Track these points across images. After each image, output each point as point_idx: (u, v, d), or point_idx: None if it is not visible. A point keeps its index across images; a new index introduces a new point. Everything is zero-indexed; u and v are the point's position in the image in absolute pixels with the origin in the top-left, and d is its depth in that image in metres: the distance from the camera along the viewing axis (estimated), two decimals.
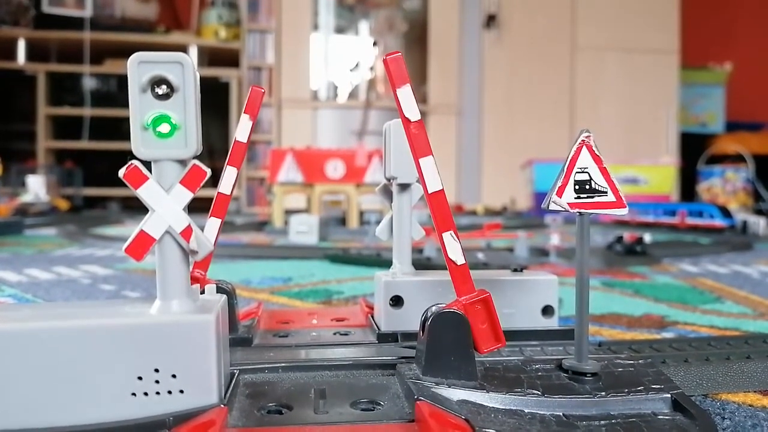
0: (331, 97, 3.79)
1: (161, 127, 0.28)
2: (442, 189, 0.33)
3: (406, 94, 0.33)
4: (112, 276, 0.93)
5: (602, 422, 0.29)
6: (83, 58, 3.29)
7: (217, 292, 0.35)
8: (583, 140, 0.33)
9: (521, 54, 3.77)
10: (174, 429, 0.27)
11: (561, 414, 0.30)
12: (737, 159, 3.41)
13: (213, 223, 0.40)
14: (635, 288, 0.84)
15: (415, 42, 3.84)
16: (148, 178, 0.28)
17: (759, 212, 2.90)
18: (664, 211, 2.01)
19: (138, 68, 0.28)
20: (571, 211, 0.32)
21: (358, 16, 3.83)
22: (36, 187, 2.49)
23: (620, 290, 0.82)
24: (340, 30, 3.86)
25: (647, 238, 1.22)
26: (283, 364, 0.36)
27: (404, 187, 0.46)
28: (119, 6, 3.42)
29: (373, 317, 0.48)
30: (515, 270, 0.47)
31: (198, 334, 0.28)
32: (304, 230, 1.52)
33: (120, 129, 3.29)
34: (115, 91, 3.41)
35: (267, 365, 0.36)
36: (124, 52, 3.27)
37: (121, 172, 0.28)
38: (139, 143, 0.28)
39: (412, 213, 0.47)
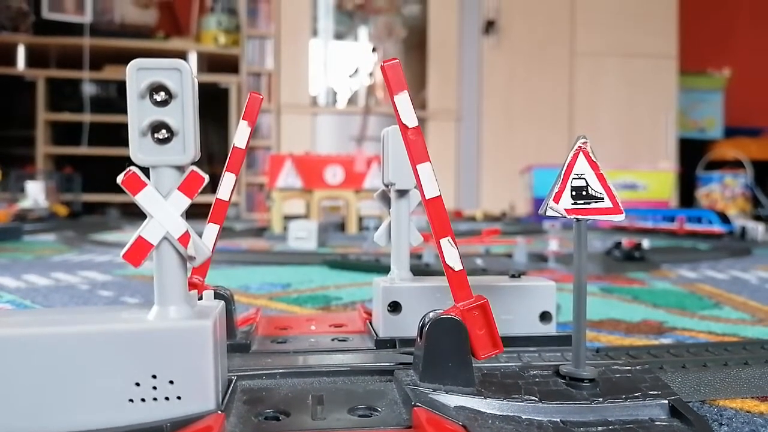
0: (330, 102, 3.80)
1: (159, 133, 0.28)
2: (440, 195, 0.33)
3: (403, 100, 0.33)
4: (111, 282, 0.93)
5: (599, 428, 0.29)
6: (83, 64, 3.30)
7: (215, 297, 0.35)
8: (579, 146, 0.33)
9: (520, 60, 3.78)
10: None
11: (558, 420, 0.30)
12: (736, 165, 3.42)
13: (211, 229, 0.40)
14: (633, 294, 0.84)
15: (414, 48, 3.85)
16: (146, 185, 0.29)
17: (757, 218, 2.90)
18: (662, 216, 2.01)
19: (137, 74, 0.28)
20: (568, 217, 0.32)
21: (357, 22, 3.84)
22: (35, 193, 2.49)
23: (618, 296, 0.82)
24: (339, 36, 3.87)
25: (646, 243, 1.22)
26: (281, 370, 0.36)
27: (402, 193, 0.46)
28: (119, 12, 3.43)
29: (371, 323, 0.48)
30: (513, 276, 0.47)
31: (195, 340, 0.28)
32: (303, 236, 1.52)
33: (119, 135, 3.29)
34: (115, 97, 3.41)
35: (265, 371, 0.36)
36: (124, 58, 3.26)
37: (119, 179, 0.28)
38: (137, 149, 0.28)
39: (411, 219, 0.47)
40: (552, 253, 1.10)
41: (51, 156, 3.41)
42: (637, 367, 0.35)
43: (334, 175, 2.00)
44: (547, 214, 0.33)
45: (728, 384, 0.39)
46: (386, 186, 0.46)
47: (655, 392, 0.32)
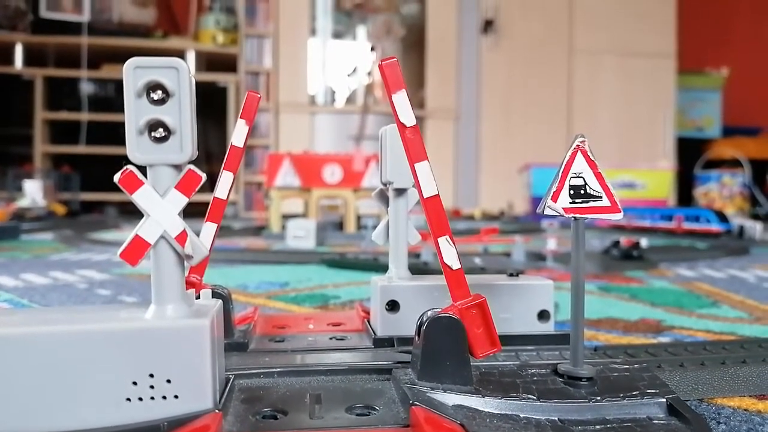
0: (328, 101, 3.79)
1: (156, 131, 0.28)
2: (438, 194, 0.33)
3: (401, 99, 0.33)
4: (109, 281, 0.93)
5: (598, 427, 0.29)
6: (81, 62, 3.29)
7: (213, 296, 0.34)
8: (577, 145, 0.33)
9: (518, 58, 3.78)
10: None
11: (556, 419, 0.30)
12: (734, 164, 3.42)
13: (209, 228, 0.40)
14: (632, 292, 0.84)
15: (412, 47, 3.84)
16: (143, 183, 0.28)
17: (755, 217, 2.91)
18: (660, 215, 2.02)
19: (133, 73, 0.28)
20: (566, 216, 0.32)
21: (355, 21, 3.84)
22: (33, 192, 2.49)
23: (617, 295, 0.82)
24: (337, 35, 3.87)
25: (644, 242, 1.22)
26: (278, 369, 0.36)
27: (400, 191, 0.46)
28: (117, 11, 3.42)
29: (369, 322, 0.48)
30: (511, 275, 0.47)
31: (193, 339, 0.28)
32: (302, 235, 1.52)
33: (117, 134, 3.26)
34: (113, 96, 3.40)
35: (262, 370, 0.36)
36: (122, 56, 3.26)
37: (116, 177, 0.28)
38: (135, 148, 0.28)
39: (409, 218, 0.47)
40: (550, 251, 1.10)
41: (49, 155, 3.40)
42: (635, 366, 0.35)
43: (332, 173, 1.99)
44: (546, 212, 0.33)
45: (726, 382, 0.39)
46: (384, 185, 0.46)
47: (653, 391, 0.32)
